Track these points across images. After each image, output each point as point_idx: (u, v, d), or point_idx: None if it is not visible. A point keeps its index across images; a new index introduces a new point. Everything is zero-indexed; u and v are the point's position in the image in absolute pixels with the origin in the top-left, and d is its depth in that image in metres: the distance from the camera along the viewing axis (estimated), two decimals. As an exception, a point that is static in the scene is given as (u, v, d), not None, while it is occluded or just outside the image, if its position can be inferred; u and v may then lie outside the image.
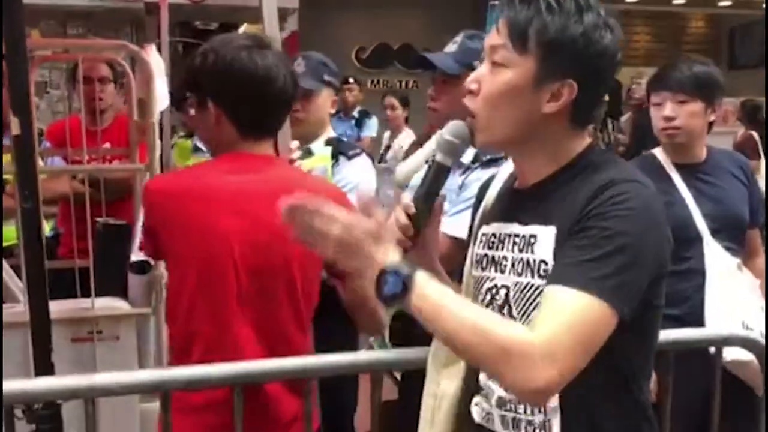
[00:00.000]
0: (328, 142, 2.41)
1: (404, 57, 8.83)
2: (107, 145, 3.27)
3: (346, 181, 2.27)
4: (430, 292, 1.10)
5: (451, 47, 2.00)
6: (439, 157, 1.26)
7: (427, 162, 1.30)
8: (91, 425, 1.43)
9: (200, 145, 4.19)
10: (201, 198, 1.55)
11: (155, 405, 1.52)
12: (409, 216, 1.24)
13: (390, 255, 1.12)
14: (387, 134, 6.60)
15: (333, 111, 2.51)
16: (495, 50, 1.19)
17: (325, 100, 2.42)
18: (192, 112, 1.67)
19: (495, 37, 1.20)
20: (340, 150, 2.38)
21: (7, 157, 3.04)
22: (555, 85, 1.17)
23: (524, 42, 1.16)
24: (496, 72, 1.19)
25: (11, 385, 1.38)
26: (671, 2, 9.17)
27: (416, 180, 2.09)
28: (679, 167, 2.26)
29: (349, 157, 2.36)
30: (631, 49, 10.40)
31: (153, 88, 2.34)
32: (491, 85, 1.19)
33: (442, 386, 1.38)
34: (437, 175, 1.27)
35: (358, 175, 2.33)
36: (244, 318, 1.56)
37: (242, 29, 10.87)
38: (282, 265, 1.57)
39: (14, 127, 1.44)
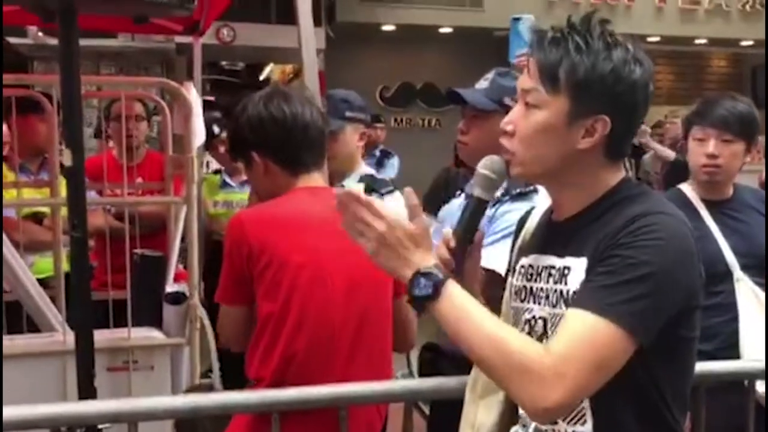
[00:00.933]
0: (362, 179, 2.45)
1: (427, 96, 8.94)
2: (140, 179, 3.36)
3: None
4: (459, 300, 1.14)
5: (482, 84, 2.05)
6: (477, 192, 1.30)
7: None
8: (133, 449, 1.47)
9: (228, 180, 4.29)
10: (298, 227, 1.70)
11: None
12: (449, 249, 1.28)
13: (426, 259, 1.17)
14: None
15: (361, 144, 2.52)
16: (527, 92, 1.24)
17: (350, 137, 2.45)
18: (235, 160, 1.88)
19: (526, 79, 1.25)
20: (372, 187, 2.41)
21: (43, 192, 3.16)
22: (588, 122, 1.21)
23: (555, 83, 1.20)
24: (530, 113, 1.23)
25: (58, 408, 1.43)
26: (693, 42, 9.23)
27: (447, 213, 2.14)
28: (706, 203, 2.27)
29: (382, 195, 2.40)
30: (654, 89, 10.45)
31: (191, 124, 2.41)
32: (526, 125, 1.23)
33: (479, 417, 1.40)
34: (476, 209, 1.30)
35: (391, 212, 2.35)
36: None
37: (269, 69, 11.10)
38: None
39: (66, 159, 1.51)
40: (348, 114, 2.45)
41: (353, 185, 2.41)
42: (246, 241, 1.67)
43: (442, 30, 8.70)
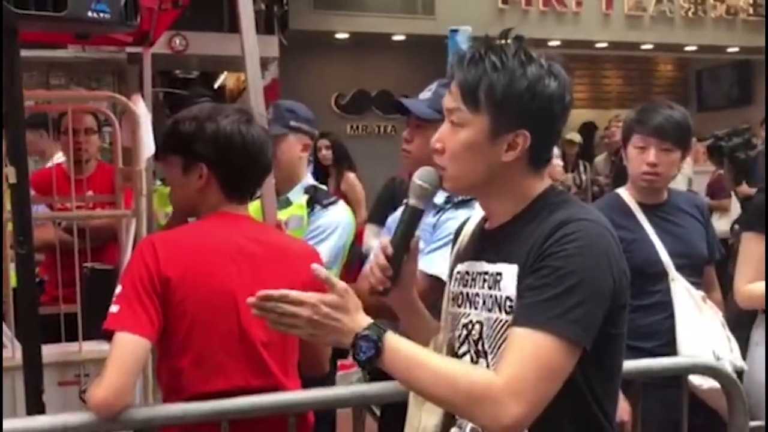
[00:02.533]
0: (306, 190, 2.47)
1: (382, 103, 9.00)
2: (90, 192, 3.34)
3: (321, 230, 2.33)
4: (402, 351, 1.22)
5: (425, 94, 2.11)
6: (412, 201, 1.37)
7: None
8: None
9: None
10: (208, 254, 1.64)
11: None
12: (387, 257, 1.34)
13: (359, 321, 1.24)
14: None
15: (304, 155, 2.52)
16: (451, 112, 1.31)
17: (291, 146, 2.43)
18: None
19: (450, 99, 1.32)
20: (315, 199, 2.44)
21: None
22: (509, 136, 1.27)
23: (476, 102, 1.27)
24: (455, 131, 1.30)
25: (6, 425, 1.43)
26: (640, 47, 9.47)
27: (393, 222, 2.19)
28: (643, 206, 2.37)
29: (324, 206, 2.42)
30: (603, 92, 10.69)
31: (140, 137, 2.42)
32: (453, 143, 1.30)
33: (423, 420, 1.45)
34: (411, 217, 1.37)
35: (333, 223, 2.39)
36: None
37: (222, 77, 11.04)
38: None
39: (11, 175, 1.52)
40: (292, 123, 2.45)
41: (298, 197, 2.44)
42: (155, 266, 1.58)
43: (396, 37, 8.78)
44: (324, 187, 2.66)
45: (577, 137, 7.37)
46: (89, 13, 1.42)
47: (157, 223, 3.99)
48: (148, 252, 1.59)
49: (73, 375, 2.28)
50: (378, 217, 2.83)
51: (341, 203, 2.49)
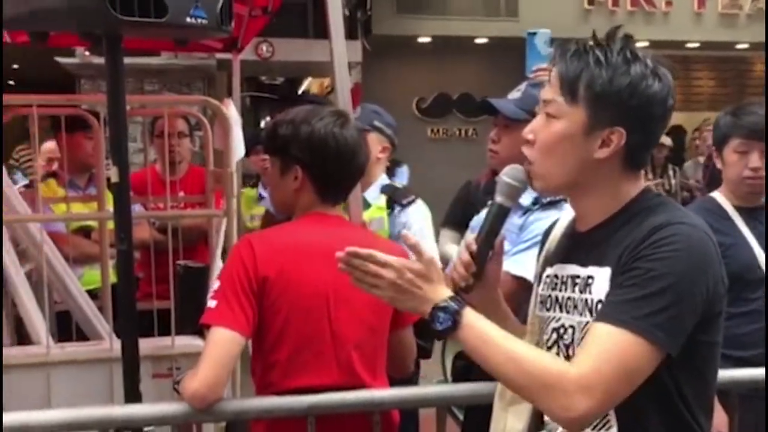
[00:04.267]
0: (383, 190, 2.49)
1: (464, 106, 8.97)
2: (182, 193, 3.47)
3: (404, 229, 2.35)
4: (478, 327, 1.21)
5: (515, 94, 2.09)
6: (499, 199, 1.35)
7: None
8: (177, 452, 1.54)
9: (264, 194, 4.40)
10: (302, 254, 1.68)
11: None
12: (471, 253, 1.33)
13: (440, 293, 1.24)
14: None
15: (383, 156, 2.55)
16: (548, 103, 1.29)
17: (372, 145, 2.43)
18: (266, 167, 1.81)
19: (547, 90, 1.30)
20: (394, 199, 2.45)
21: (91, 206, 3.28)
22: (604, 133, 1.25)
23: (574, 94, 1.25)
24: (549, 123, 1.28)
25: (107, 411, 1.51)
26: (734, 47, 9.09)
27: (477, 223, 2.18)
28: (740, 210, 2.27)
29: (404, 206, 2.44)
30: (694, 95, 10.32)
31: (231, 140, 2.50)
32: (546, 135, 1.28)
33: (509, 424, 1.43)
34: (498, 215, 1.36)
35: (414, 222, 2.40)
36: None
37: (306, 83, 11.25)
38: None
39: (113, 175, 1.60)
40: (376, 123, 2.50)
41: (375, 198, 2.46)
42: (253, 265, 1.63)
43: (478, 40, 8.73)
44: (399, 184, 2.68)
45: (667, 140, 7.13)
46: (188, 19, 1.48)
47: (243, 225, 4.12)
48: (246, 251, 1.64)
49: (166, 368, 2.37)
50: (451, 221, 2.82)
51: (419, 201, 2.51)
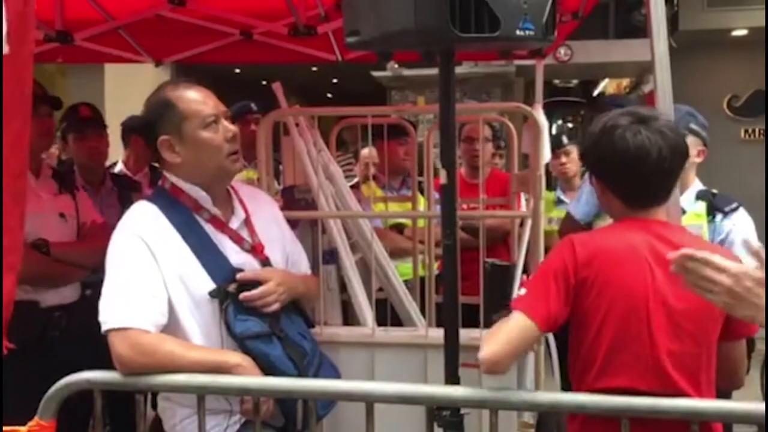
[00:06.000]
0: (698, 196, 2.38)
1: (786, 104, 8.04)
2: (484, 196, 3.65)
3: (729, 239, 2.23)
4: None
5: None
6: None
7: None
8: (493, 435, 1.67)
9: (563, 197, 4.41)
10: (622, 256, 1.72)
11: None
12: None
13: None
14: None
15: (697, 161, 2.47)
16: None
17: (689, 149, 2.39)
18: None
19: None
20: (715, 206, 2.33)
21: (405, 206, 3.59)
22: None
23: None
24: None
25: (435, 390, 1.69)
26: None
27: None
28: None
29: (726, 213, 2.31)
30: None
31: (541, 144, 2.58)
32: None
33: None
34: None
35: (739, 231, 2.26)
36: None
37: (603, 84, 10.96)
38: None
39: (442, 177, 1.77)
40: (692, 126, 2.45)
41: (691, 204, 2.36)
42: (573, 265, 1.70)
43: (804, 30, 7.78)
44: (714, 190, 2.54)
45: None
46: (518, 32, 1.58)
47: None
48: (568, 251, 1.73)
49: (473, 359, 2.52)
50: None
51: (741, 210, 2.36)
